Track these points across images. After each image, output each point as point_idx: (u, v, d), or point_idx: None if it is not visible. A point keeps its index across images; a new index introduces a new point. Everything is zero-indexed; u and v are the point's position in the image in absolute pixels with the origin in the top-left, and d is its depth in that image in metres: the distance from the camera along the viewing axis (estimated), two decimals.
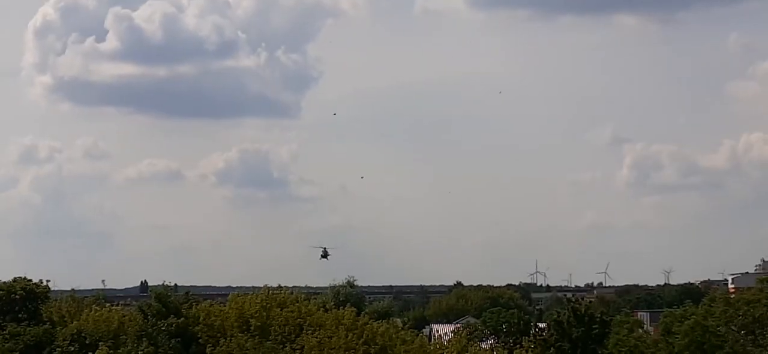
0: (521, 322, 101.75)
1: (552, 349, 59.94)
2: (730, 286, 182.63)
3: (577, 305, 61.96)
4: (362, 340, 64.23)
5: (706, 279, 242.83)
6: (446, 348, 70.59)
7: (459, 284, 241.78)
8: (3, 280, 77.05)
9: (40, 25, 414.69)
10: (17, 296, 74.84)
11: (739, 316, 65.01)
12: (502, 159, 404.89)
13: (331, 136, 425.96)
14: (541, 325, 77.23)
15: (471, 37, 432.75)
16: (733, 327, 64.65)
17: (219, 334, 65.46)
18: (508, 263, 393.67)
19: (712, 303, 68.36)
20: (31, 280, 76.95)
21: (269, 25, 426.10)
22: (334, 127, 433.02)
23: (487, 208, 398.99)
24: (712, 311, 65.73)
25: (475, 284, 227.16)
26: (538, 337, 63.74)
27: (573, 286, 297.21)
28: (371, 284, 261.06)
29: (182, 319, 68.00)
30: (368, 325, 67.35)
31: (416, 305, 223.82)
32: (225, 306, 71.47)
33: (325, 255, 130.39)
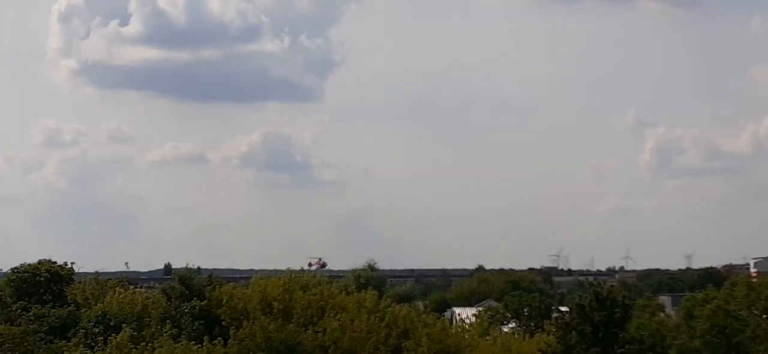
0: (543, 305, 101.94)
1: (573, 332, 59.84)
2: (752, 270, 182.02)
3: (599, 289, 61.75)
4: (384, 323, 64.53)
5: (728, 263, 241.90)
6: (468, 331, 70.86)
7: (481, 268, 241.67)
8: (28, 263, 77.62)
9: (64, 9, 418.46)
10: (42, 278, 75.40)
11: (761, 300, 64.84)
12: (524, 143, 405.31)
13: (354, 120, 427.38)
14: (563, 308, 77.15)
15: (493, 20, 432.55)
16: (755, 311, 64.50)
17: (242, 317, 65.84)
18: (530, 247, 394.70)
19: (734, 287, 68.21)
20: (55, 263, 77.49)
21: (292, 10, 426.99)
22: (356, 111, 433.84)
23: (508, 192, 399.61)
24: (734, 295, 65.63)
25: (496, 268, 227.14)
26: (559, 321, 63.59)
27: (595, 269, 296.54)
28: (393, 268, 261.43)
29: (205, 301, 68.38)
30: (390, 309, 67.62)
31: (438, 289, 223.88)
32: (248, 289, 71.84)
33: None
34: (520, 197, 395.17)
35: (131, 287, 79.34)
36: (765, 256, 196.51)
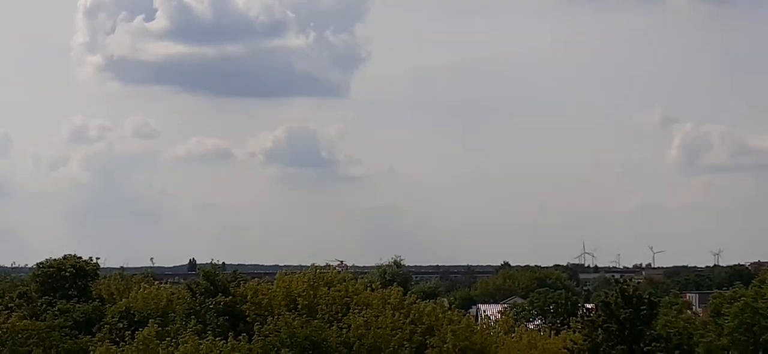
0: (569, 302, 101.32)
1: (599, 330, 59.43)
2: None
3: (625, 286, 61.33)
4: (409, 319, 64.27)
5: (757, 260, 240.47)
6: (493, 328, 70.44)
7: (506, 264, 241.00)
8: (53, 258, 77.85)
9: (89, 4, 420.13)
10: (67, 273, 75.64)
11: None
12: (551, 139, 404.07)
13: (379, 115, 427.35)
14: (589, 306, 76.87)
15: (520, 16, 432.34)
16: None
17: (266, 313, 65.75)
18: (556, 244, 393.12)
19: (762, 284, 67.60)
20: (81, 258, 77.75)
21: (318, 5, 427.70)
22: (382, 107, 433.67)
23: (535, 189, 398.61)
24: (763, 293, 65.03)
25: (522, 264, 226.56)
26: (585, 318, 63.15)
27: (621, 267, 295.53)
28: (418, 264, 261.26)
29: (230, 297, 68.35)
30: (415, 305, 67.35)
31: (463, 285, 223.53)
32: (272, 284, 71.75)
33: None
34: (546, 194, 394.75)
35: (156, 282, 79.38)
36: None
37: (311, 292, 68.15)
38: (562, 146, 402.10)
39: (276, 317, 62.45)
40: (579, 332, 63.51)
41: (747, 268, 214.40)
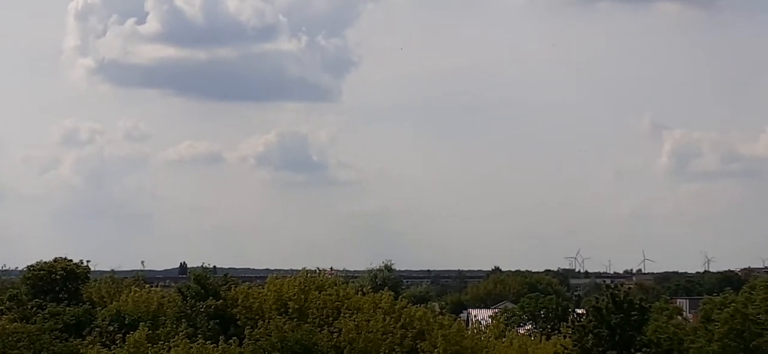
0: (559, 307, 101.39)
1: (590, 335, 59.56)
2: None
3: (616, 291, 61.48)
4: (400, 323, 64.38)
5: (747, 266, 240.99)
6: (484, 333, 70.55)
7: (497, 269, 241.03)
8: (44, 261, 77.62)
9: (81, 7, 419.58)
10: (58, 276, 75.38)
11: None
12: (541, 145, 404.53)
13: (371, 120, 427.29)
14: (580, 311, 77.03)
15: (511, 21, 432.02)
16: None
17: (257, 316, 65.81)
18: (547, 249, 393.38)
19: (753, 290, 67.63)
20: (71, 261, 77.46)
21: (310, 9, 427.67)
22: (373, 111, 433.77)
23: (525, 194, 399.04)
24: (753, 299, 65.08)
25: (513, 269, 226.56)
26: (576, 323, 63.27)
27: (612, 272, 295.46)
28: (409, 268, 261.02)
29: (221, 301, 68.36)
30: (406, 309, 67.43)
31: (454, 290, 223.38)
32: (263, 288, 71.76)
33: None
34: (537, 199, 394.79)
35: (147, 286, 79.24)
36: None
37: (302, 296, 68.19)
38: (552, 152, 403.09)
39: (267, 321, 62.52)
40: (569, 337, 63.61)
41: (737, 273, 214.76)
